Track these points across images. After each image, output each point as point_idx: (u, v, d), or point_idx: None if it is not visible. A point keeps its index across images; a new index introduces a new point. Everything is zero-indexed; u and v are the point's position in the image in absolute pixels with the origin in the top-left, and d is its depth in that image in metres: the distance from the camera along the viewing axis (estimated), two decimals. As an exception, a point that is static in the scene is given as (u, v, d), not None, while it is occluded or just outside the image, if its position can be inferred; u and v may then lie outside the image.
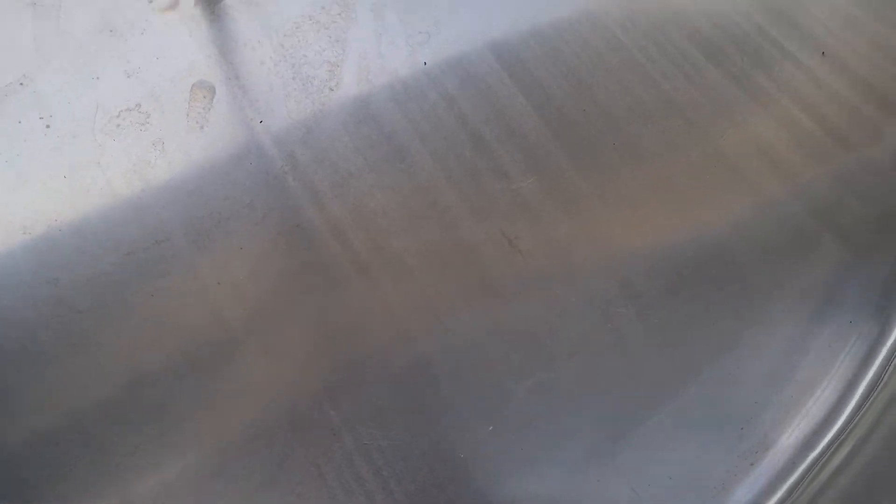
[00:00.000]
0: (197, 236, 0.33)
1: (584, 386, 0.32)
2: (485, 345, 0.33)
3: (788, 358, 0.34)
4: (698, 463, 0.32)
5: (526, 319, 0.33)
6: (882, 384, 0.33)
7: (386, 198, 0.35)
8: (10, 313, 0.31)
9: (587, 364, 0.33)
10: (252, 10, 0.37)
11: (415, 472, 0.31)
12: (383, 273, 0.33)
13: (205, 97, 0.35)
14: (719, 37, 0.37)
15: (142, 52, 0.36)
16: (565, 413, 0.32)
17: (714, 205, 0.35)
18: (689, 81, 0.37)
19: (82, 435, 0.30)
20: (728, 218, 0.35)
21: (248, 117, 0.35)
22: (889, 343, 0.34)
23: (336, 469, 0.31)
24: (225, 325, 0.32)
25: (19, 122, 0.34)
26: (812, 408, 0.33)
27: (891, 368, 0.33)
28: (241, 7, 0.37)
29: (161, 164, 0.34)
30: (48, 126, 0.34)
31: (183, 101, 0.35)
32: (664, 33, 0.38)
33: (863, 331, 0.34)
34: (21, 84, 0.34)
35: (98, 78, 0.35)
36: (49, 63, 0.35)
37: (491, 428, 0.32)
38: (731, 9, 0.38)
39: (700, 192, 0.36)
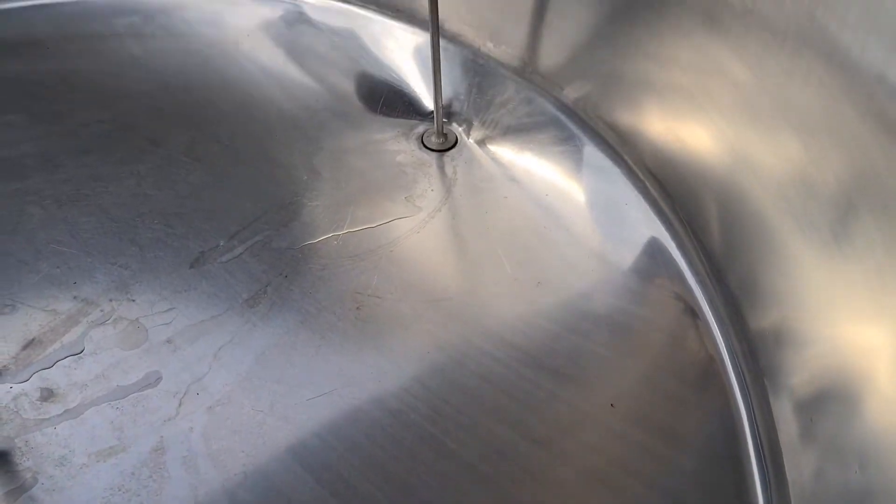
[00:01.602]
0: None
1: None
2: None
3: None
4: None
5: None
6: None
7: None
8: None
9: None
10: (54, 495, 0.36)
11: None
12: None
13: None
14: (513, 408, 0.41)
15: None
16: None
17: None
18: (502, 457, 0.39)
19: None
20: None
21: None
22: None
23: None
24: None
25: None
26: None
27: None
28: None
29: None
30: None
31: None
32: (469, 416, 0.40)
33: None
34: None
35: None
36: None
37: None
38: (517, 377, 0.42)
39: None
